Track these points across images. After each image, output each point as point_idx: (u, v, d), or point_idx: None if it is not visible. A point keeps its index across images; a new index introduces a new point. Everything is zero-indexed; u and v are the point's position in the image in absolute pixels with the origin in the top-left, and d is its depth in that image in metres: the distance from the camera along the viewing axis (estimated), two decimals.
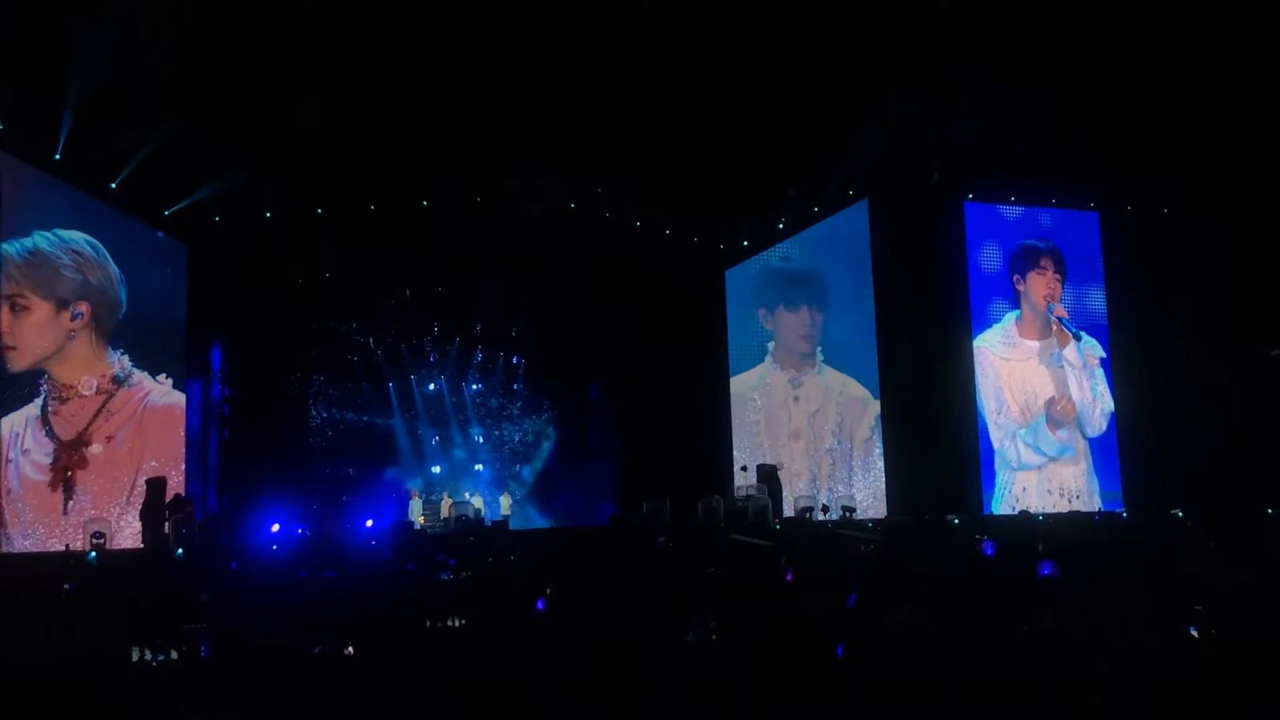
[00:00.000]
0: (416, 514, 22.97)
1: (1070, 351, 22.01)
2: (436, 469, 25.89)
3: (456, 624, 7.21)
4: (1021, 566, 8.58)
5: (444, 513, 22.94)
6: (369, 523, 21.40)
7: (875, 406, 21.21)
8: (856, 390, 21.64)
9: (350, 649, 6.22)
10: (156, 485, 17.92)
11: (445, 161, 19.72)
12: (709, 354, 23.90)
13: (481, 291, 24.89)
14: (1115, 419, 22.19)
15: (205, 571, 12.33)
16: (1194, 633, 5.39)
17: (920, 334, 21.10)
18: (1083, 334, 22.11)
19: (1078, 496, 21.63)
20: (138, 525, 17.82)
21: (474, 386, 26.43)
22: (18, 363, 17.37)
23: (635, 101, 17.69)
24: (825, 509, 20.74)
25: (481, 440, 26.41)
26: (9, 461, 17.21)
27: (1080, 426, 22.01)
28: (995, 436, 21.41)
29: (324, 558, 13.80)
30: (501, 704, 5.26)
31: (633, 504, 20.76)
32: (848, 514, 20.02)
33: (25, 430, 17.45)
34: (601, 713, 5.13)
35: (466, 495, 24.17)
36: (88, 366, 18.28)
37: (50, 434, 17.87)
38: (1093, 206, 22.94)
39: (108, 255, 18.49)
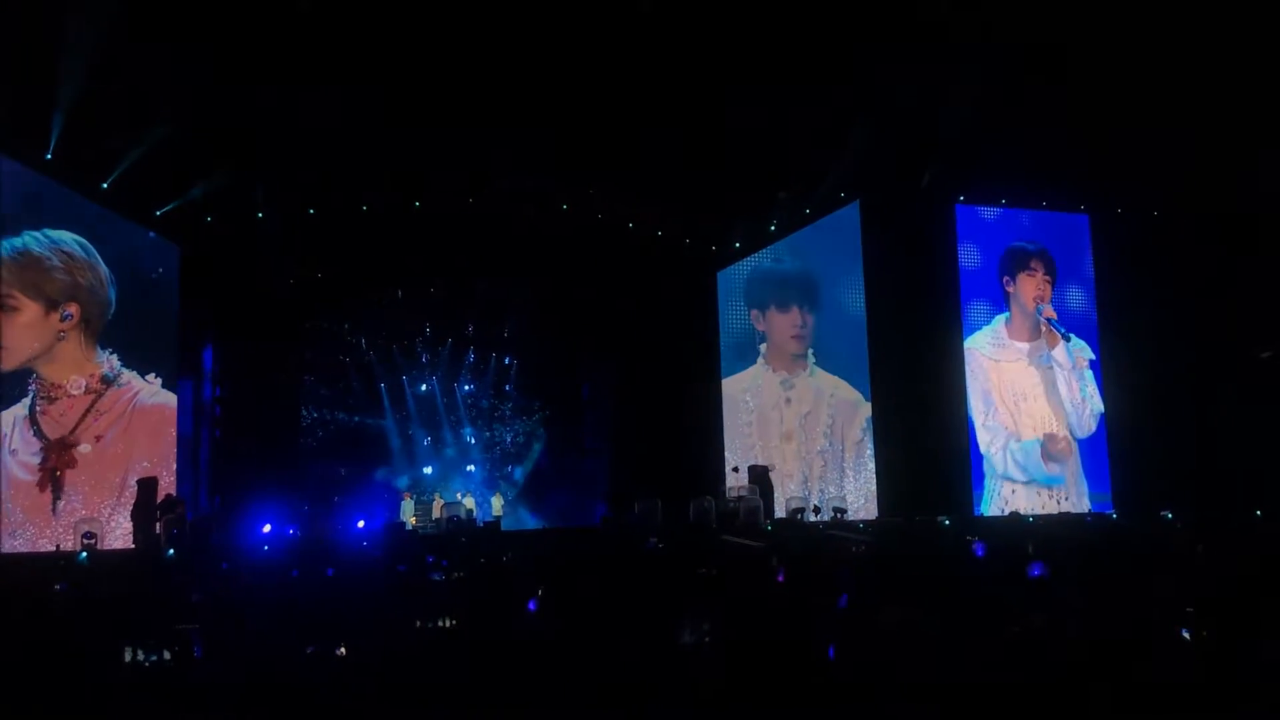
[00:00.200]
0: (408, 515, 22.97)
1: (1059, 352, 22.09)
2: (428, 470, 25.87)
3: (448, 625, 7.21)
4: (1012, 567, 8.61)
5: (436, 513, 22.94)
6: (360, 523, 21.37)
7: (867, 408, 21.25)
8: (848, 392, 21.69)
9: (343, 650, 6.22)
10: (148, 485, 17.87)
11: (437, 162, 19.71)
12: (700, 355, 23.91)
13: (474, 292, 24.90)
14: (1105, 421, 22.27)
15: (197, 572, 12.29)
16: (1185, 635, 5.41)
17: (911, 336, 21.16)
18: (1072, 335, 22.18)
19: (1067, 498, 21.70)
20: (128, 525, 17.77)
21: (466, 387, 26.42)
22: (6, 363, 17.30)
23: (627, 102, 17.70)
24: (817, 510, 20.78)
25: (473, 441, 26.41)
26: None
27: (1070, 428, 22.08)
28: (983, 440, 21.44)
29: (316, 558, 13.78)
30: (493, 705, 5.26)
31: (624, 505, 20.76)
32: (839, 515, 20.06)
33: (13, 430, 17.39)
34: (594, 714, 5.13)
35: (458, 496, 24.16)
36: (76, 367, 18.22)
37: (38, 434, 17.81)
38: (1083, 209, 23.02)
39: (98, 256, 18.42)
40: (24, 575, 13.06)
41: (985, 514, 20.82)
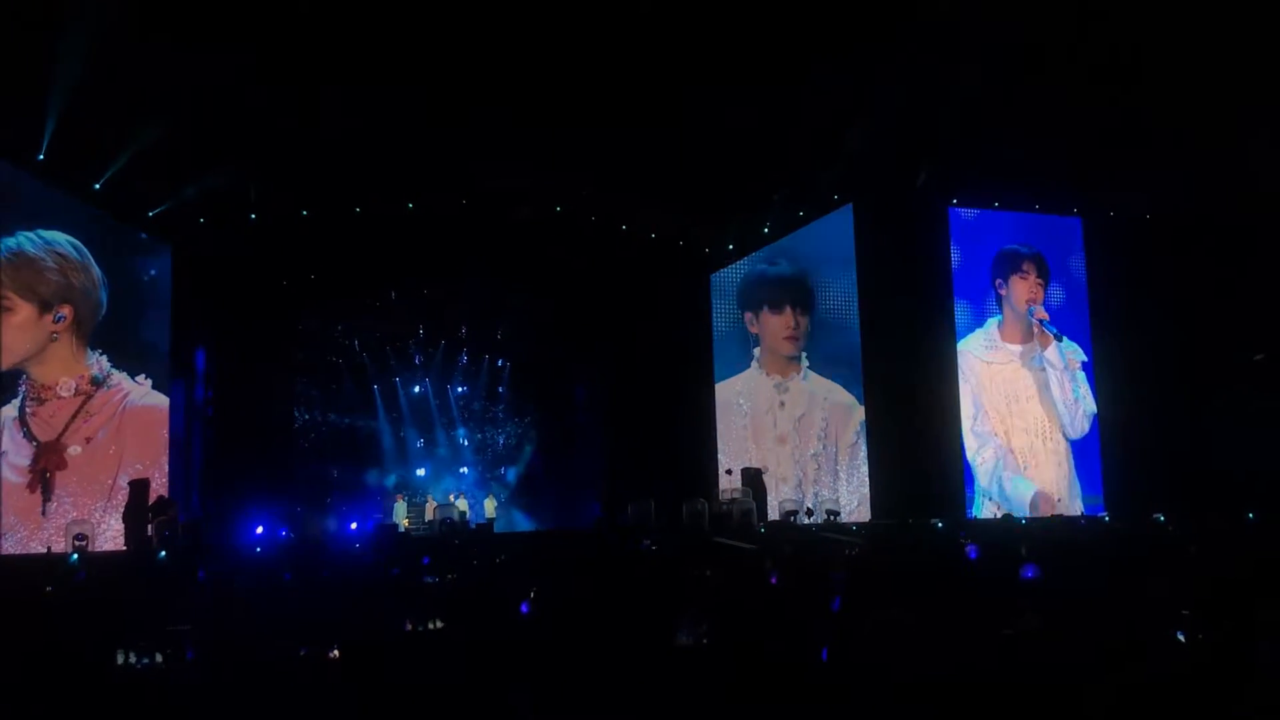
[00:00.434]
0: (401, 516, 22.93)
1: (1052, 353, 22.13)
2: (421, 471, 25.85)
3: (440, 626, 7.20)
4: (1004, 570, 8.63)
5: (428, 515, 22.91)
6: (353, 525, 21.34)
7: (860, 412, 21.27)
8: (842, 396, 21.70)
9: (335, 652, 6.20)
10: (139, 487, 17.82)
11: (431, 163, 19.69)
12: (694, 357, 23.92)
13: (467, 294, 24.88)
14: (1098, 423, 22.32)
15: (188, 574, 12.25)
16: (1180, 637, 5.42)
17: (905, 339, 21.18)
18: (1064, 336, 22.22)
19: (1060, 500, 21.73)
20: (119, 527, 17.73)
21: (459, 389, 26.41)
22: None
23: (622, 105, 17.70)
24: (810, 512, 20.79)
25: (466, 443, 26.39)
26: None
27: (1062, 429, 22.12)
28: (970, 445, 21.43)
29: (308, 560, 13.75)
30: (486, 708, 5.25)
31: (618, 507, 20.77)
32: (832, 517, 20.08)
33: (3, 432, 17.31)
34: (588, 716, 5.13)
35: (451, 498, 24.15)
36: (67, 368, 18.15)
37: (28, 435, 17.74)
38: (1076, 212, 23.07)
39: (91, 257, 18.37)
40: (14, 578, 13.00)
41: (978, 516, 20.84)
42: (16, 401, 17.58)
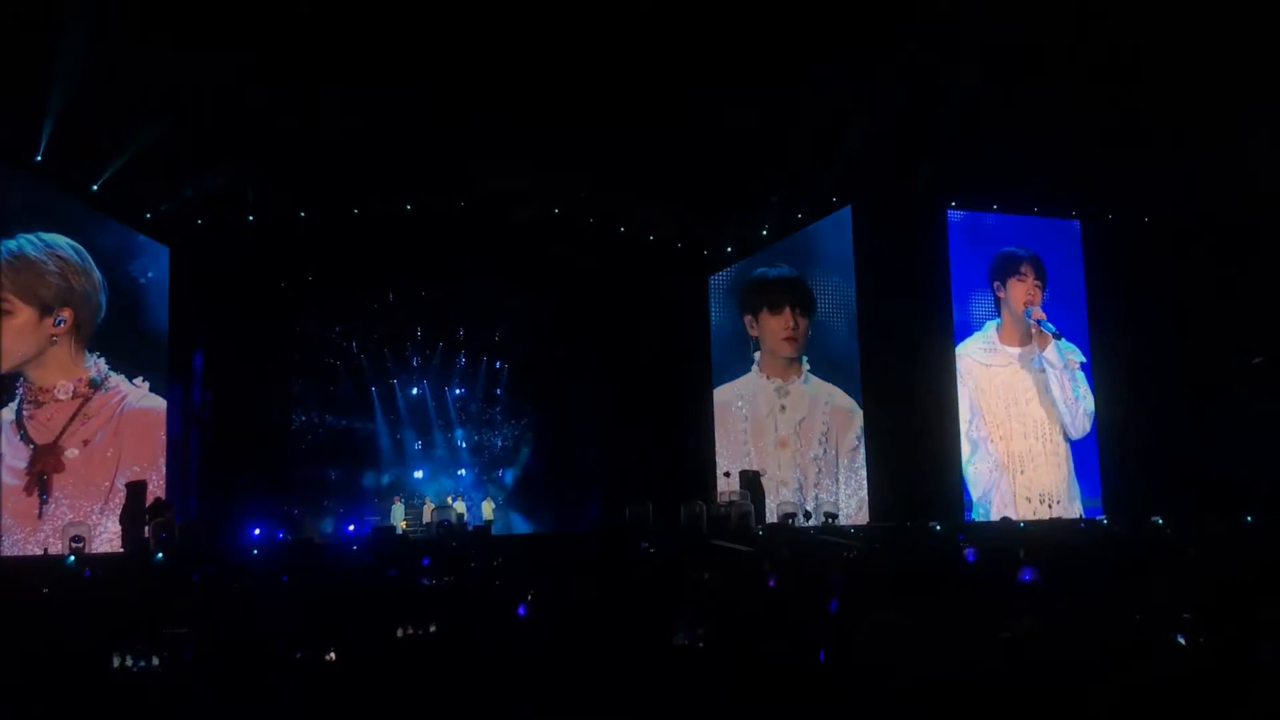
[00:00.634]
0: (398, 519, 22.89)
1: (1050, 352, 22.10)
2: (419, 473, 25.80)
3: (437, 629, 7.18)
4: (1003, 573, 8.61)
5: (426, 517, 22.86)
6: (350, 527, 21.31)
7: (861, 415, 21.21)
8: (843, 400, 21.65)
9: (332, 655, 6.18)
10: (136, 489, 17.78)
11: (430, 164, 19.67)
12: (692, 359, 23.90)
13: (465, 296, 24.85)
14: (1096, 426, 22.29)
15: (185, 576, 12.22)
16: (1180, 639, 5.40)
17: (904, 342, 21.13)
18: (1062, 335, 22.19)
19: (1058, 502, 21.70)
20: (116, 529, 17.67)
21: (457, 391, 26.36)
22: None
23: (622, 105, 17.70)
24: (808, 515, 20.77)
25: (464, 445, 26.34)
26: None
27: (1063, 429, 22.11)
28: (964, 449, 21.37)
29: (306, 562, 13.73)
30: (483, 710, 5.23)
31: (616, 509, 20.74)
32: (830, 520, 20.05)
33: (0, 435, 17.29)
34: (589, 716, 5.11)
35: (449, 500, 24.11)
36: (65, 371, 18.11)
37: (25, 438, 17.70)
38: (1074, 215, 23.06)
39: (91, 260, 18.33)
40: (11, 579, 12.98)
41: (976, 519, 20.81)
42: (14, 404, 17.54)
